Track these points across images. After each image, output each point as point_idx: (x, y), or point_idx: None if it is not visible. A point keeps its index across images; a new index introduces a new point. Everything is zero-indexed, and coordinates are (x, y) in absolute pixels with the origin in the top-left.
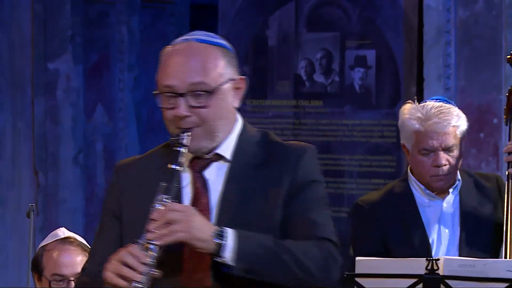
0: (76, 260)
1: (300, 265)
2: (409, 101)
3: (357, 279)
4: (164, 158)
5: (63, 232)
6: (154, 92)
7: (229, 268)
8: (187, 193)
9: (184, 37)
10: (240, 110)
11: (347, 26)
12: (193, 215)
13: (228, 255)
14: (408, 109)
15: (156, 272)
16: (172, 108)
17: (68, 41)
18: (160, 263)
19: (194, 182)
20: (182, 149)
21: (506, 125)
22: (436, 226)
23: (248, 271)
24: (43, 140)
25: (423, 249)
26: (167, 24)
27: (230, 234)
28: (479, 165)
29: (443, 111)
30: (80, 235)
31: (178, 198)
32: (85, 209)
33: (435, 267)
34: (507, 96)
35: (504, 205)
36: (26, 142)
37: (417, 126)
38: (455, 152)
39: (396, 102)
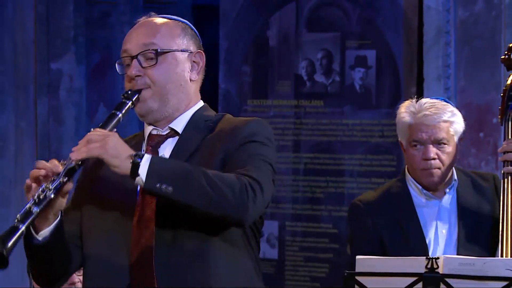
0: None
1: (215, 187)
2: (409, 100)
3: (358, 278)
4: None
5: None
6: (117, 62)
7: (144, 185)
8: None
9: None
10: (241, 110)
11: (347, 26)
12: (111, 136)
13: (142, 172)
14: (404, 106)
15: (66, 183)
16: (126, 72)
17: (71, 41)
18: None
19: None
20: (129, 103)
21: (501, 125)
22: (434, 226)
23: (161, 183)
24: (46, 139)
25: (420, 249)
26: None
27: (146, 156)
28: (479, 164)
29: (436, 105)
30: None
31: None
32: None
33: (435, 266)
34: (501, 96)
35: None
36: (29, 141)
37: (409, 119)
38: (447, 148)
39: (396, 102)
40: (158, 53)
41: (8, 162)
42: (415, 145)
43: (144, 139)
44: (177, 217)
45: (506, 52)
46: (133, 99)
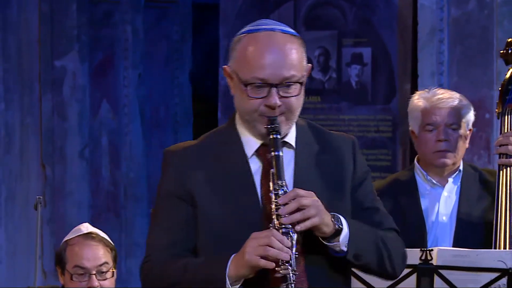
0: (98, 254)
1: (389, 257)
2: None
3: (353, 268)
4: (222, 145)
5: (86, 228)
6: (243, 82)
7: (341, 252)
8: (257, 181)
9: (265, 26)
10: None
11: (344, 25)
12: (318, 200)
13: (343, 240)
14: (417, 94)
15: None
16: (262, 98)
17: (74, 40)
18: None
19: (266, 171)
20: (279, 136)
21: (498, 118)
22: (435, 213)
23: (356, 257)
24: (51, 135)
25: (419, 237)
26: (170, 23)
27: (343, 220)
28: (471, 159)
29: (449, 92)
30: None
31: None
32: (91, 201)
33: (429, 258)
34: (499, 90)
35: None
36: (34, 137)
37: (422, 103)
38: (458, 132)
39: (391, 98)
40: (301, 84)
41: (14, 157)
42: (429, 129)
43: (240, 146)
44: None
45: (505, 47)
46: (279, 130)
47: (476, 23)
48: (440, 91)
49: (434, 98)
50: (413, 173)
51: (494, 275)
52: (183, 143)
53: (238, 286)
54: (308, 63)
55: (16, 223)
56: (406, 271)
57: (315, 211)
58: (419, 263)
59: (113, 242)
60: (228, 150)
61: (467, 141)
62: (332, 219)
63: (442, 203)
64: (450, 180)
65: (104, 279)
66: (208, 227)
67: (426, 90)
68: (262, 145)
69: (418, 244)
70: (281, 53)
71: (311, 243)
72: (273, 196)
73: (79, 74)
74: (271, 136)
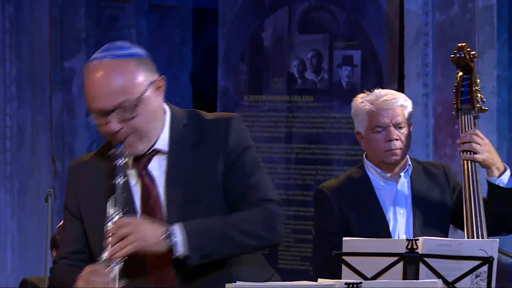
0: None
1: (249, 234)
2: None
3: (344, 257)
4: (108, 159)
5: None
6: (88, 110)
7: (187, 260)
8: (137, 191)
9: (99, 53)
10: (237, 104)
11: (335, 29)
12: (141, 225)
13: (182, 250)
14: (360, 97)
15: (124, 284)
16: (105, 124)
17: (83, 42)
18: (125, 271)
19: (142, 178)
20: (121, 161)
21: (456, 118)
22: (392, 208)
23: (204, 257)
24: (60, 131)
25: (382, 228)
26: (171, 27)
27: (177, 231)
28: (454, 154)
29: (391, 92)
30: None
31: (130, 200)
32: None
33: (414, 246)
34: (454, 92)
35: (449, 189)
36: (45, 133)
37: (368, 106)
38: (404, 130)
39: None
40: (135, 106)
41: (26, 152)
42: (378, 130)
43: (119, 171)
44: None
45: (455, 51)
46: (122, 155)
47: (459, 27)
48: (382, 92)
49: (380, 100)
50: (364, 170)
51: (476, 263)
52: (85, 155)
53: None
54: (300, 64)
55: (27, 215)
56: (393, 259)
57: (135, 236)
58: (405, 252)
59: None
60: (111, 165)
61: (411, 134)
62: (163, 235)
63: (398, 195)
64: (402, 174)
65: None
66: (93, 240)
67: (368, 92)
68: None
69: (382, 234)
70: (107, 82)
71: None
72: (109, 224)
73: None
74: (114, 163)
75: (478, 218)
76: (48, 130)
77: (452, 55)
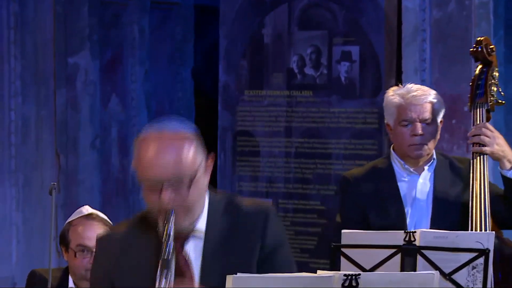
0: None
1: None
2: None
3: (343, 250)
4: (143, 230)
5: (87, 209)
6: (140, 180)
7: None
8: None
9: (157, 124)
10: (238, 99)
11: (334, 25)
12: None
13: None
14: (392, 90)
15: None
16: (157, 194)
17: (86, 39)
18: None
19: (177, 255)
20: (172, 227)
21: (470, 111)
22: (412, 199)
23: None
24: (64, 126)
25: (399, 220)
26: (173, 24)
27: None
28: (451, 148)
29: (422, 88)
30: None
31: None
32: (102, 187)
33: (412, 239)
34: (470, 85)
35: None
36: (49, 128)
37: (398, 100)
38: (431, 127)
39: (378, 92)
40: (190, 181)
41: (30, 147)
42: (404, 124)
43: (152, 232)
44: None
45: (474, 45)
46: (172, 223)
47: (456, 24)
48: (414, 87)
49: (409, 95)
50: (390, 161)
51: (472, 255)
52: (114, 227)
53: None
54: (300, 59)
55: (32, 208)
56: (391, 251)
57: None
58: (403, 244)
59: None
60: (145, 238)
61: (439, 132)
62: None
63: (419, 188)
64: (426, 168)
65: None
66: None
67: (400, 86)
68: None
69: (398, 226)
70: (167, 152)
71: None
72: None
73: (90, 70)
74: (165, 229)
75: (483, 210)
76: (52, 125)
77: (471, 49)
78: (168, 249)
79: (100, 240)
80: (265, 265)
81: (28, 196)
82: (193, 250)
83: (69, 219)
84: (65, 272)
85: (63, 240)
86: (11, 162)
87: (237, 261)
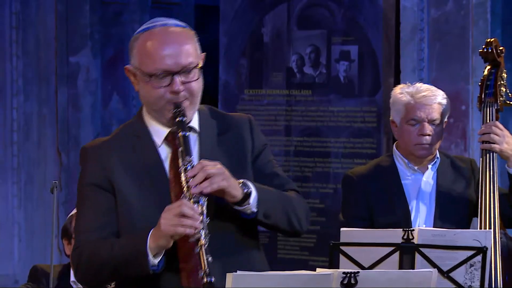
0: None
1: (296, 214)
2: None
3: (342, 247)
4: (133, 137)
5: None
6: (147, 74)
7: (251, 214)
8: (166, 166)
9: (159, 22)
10: (238, 98)
11: (333, 24)
12: (224, 168)
13: (252, 202)
14: (400, 87)
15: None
16: (166, 86)
17: (87, 37)
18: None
19: (175, 155)
20: (185, 118)
21: (480, 111)
22: (416, 197)
23: (265, 216)
24: (66, 124)
25: (404, 218)
26: None
27: (250, 184)
28: (449, 146)
29: (431, 89)
30: None
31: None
32: None
33: (410, 237)
34: (480, 85)
35: (475, 183)
36: (51, 126)
37: (407, 98)
38: (438, 127)
39: (376, 91)
40: (198, 70)
41: (32, 145)
42: (412, 123)
43: (149, 136)
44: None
45: (484, 46)
46: (185, 113)
47: (453, 23)
48: (423, 87)
49: (419, 95)
50: (393, 159)
51: (470, 253)
52: (97, 139)
53: (160, 258)
54: (299, 58)
55: (34, 205)
56: (389, 249)
57: (221, 177)
58: (402, 242)
59: None
60: (139, 141)
61: (443, 132)
62: (240, 184)
63: (423, 186)
64: (430, 166)
65: None
66: (127, 213)
67: (408, 84)
68: (169, 132)
69: (403, 223)
70: (177, 43)
71: (222, 211)
72: (183, 171)
73: (91, 68)
74: (177, 119)
75: (492, 208)
76: (54, 123)
77: (481, 50)
78: (186, 139)
79: (86, 149)
80: (258, 160)
81: (30, 194)
82: (192, 146)
83: (71, 213)
84: (67, 267)
85: (66, 233)
86: (13, 160)
87: (231, 156)
